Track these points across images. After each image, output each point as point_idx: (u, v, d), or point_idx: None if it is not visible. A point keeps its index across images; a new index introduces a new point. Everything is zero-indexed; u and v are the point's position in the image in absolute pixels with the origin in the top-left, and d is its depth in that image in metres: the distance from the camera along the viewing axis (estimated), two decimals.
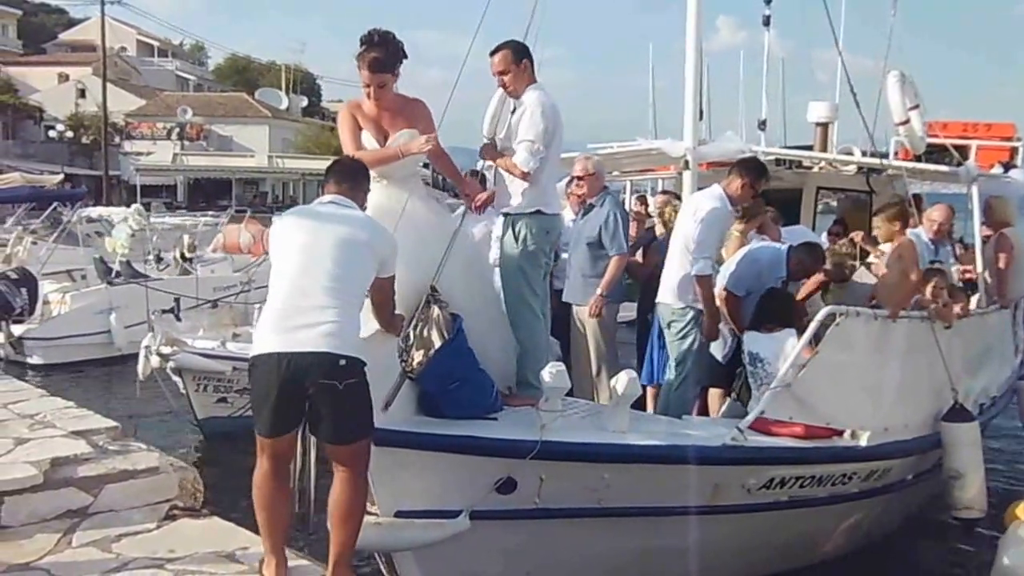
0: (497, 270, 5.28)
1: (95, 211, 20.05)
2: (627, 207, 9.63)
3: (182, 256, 17.49)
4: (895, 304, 5.78)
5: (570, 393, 4.76)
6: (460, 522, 4.30)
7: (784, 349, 5.38)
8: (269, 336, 3.59)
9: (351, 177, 4.05)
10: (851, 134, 9.41)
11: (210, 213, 29.42)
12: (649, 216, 8.53)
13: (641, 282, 6.89)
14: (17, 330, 13.62)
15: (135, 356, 9.75)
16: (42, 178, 22.99)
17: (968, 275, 7.35)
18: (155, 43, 68.25)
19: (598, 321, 6.21)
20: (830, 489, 5.38)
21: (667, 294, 5.77)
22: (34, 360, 13.59)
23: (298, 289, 3.62)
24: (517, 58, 4.95)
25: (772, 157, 7.95)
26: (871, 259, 6.96)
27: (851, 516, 5.79)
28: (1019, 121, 13.36)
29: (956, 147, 8.90)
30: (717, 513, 4.99)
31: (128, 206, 19.71)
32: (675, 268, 5.72)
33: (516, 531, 4.53)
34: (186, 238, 18.52)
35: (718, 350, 5.97)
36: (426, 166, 5.73)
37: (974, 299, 6.97)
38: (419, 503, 4.26)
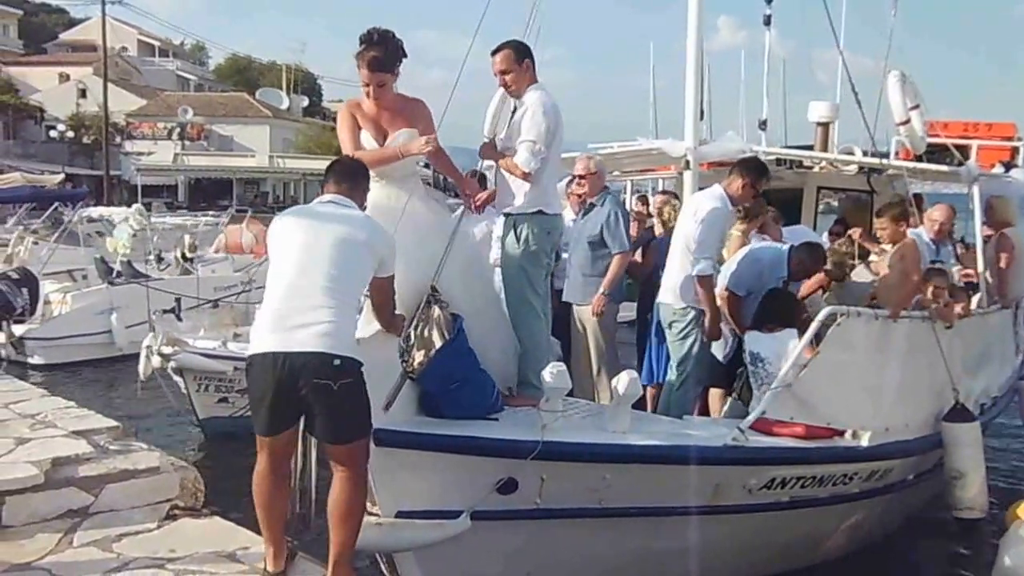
0: (498, 270, 5.29)
1: (96, 211, 20.05)
2: (628, 207, 9.63)
3: (183, 256, 17.51)
4: (896, 304, 5.78)
5: (570, 393, 4.75)
6: (461, 522, 4.30)
7: (785, 349, 5.38)
8: (266, 335, 3.61)
9: (350, 177, 4.05)
10: (852, 134, 9.41)
11: (211, 213, 29.41)
12: (650, 216, 8.53)
13: (640, 282, 6.90)
14: (18, 330, 13.64)
15: (136, 356, 9.75)
16: (43, 178, 23.02)
17: (968, 278, 7.35)
18: (156, 43, 68.27)
19: (598, 321, 6.21)
20: (831, 489, 5.38)
21: (668, 294, 5.77)
22: (35, 360, 13.61)
23: (295, 289, 3.63)
24: (519, 58, 4.95)
25: (773, 157, 7.95)
26: (872, 257, 6.96)
27: (852, 516, 5.79)
28: (1020, 121, 13.34)
29: (957, 147, 8.89)
30: (718, 513, 4.99)
31: (129, 206, 19.72)
32: (676, 268, 5.72)
33: (517, 531, 4.53)
34: (187, 238, 18.54)
35: (719, 350, 5.97)
36: (427, 166, 5.73)
37: (975, 299, 6.96)
38: (420, 503, 4.26)
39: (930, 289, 6.03)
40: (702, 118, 7.05)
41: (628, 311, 7.00)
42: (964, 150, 9.87)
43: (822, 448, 5.23)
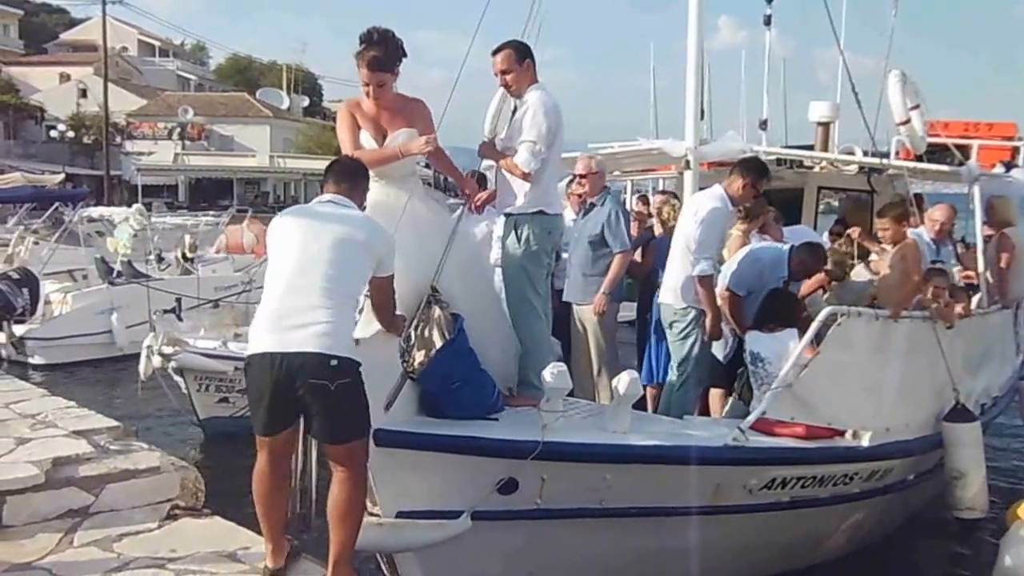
0: (499, 270, 5.28)
1: (96, 211, 20.06)
2: (629, 207, 9.63)
3: (183, 256, 17.52)
4: (897, 304, 5.78)
5: (571, 393, 4.75)
6: (462, 523, 4.30)
7: (786, 349, 5.38)
8: (264, 335, 3.62)
9: (350, 177, 4.05)
10: (853, 134, 9.41)
11: (211, 213, 29.41)
12: (651, 216, 8.54)
13: (640, 281, 6.90)
14: (19, 330, 13.65)
15: (137, 356, 9.75)
16: (43, 178, 23.07)
17: (969, 279, 7.34)
18: (156, 43, 68.30)
19: (599, 321, 6.20)
20: (832, 489, 5.38)
21: (668, 294, 5.77)
22: (36, 360, 13.62)
23: (293, 289, 3.64)
24: (520, 57, 4.95)
25: (773, 157, 7.96)
26: (872, 257, 6.97)
27: (853, 516, 5.79)
28: (1020, 121, 13.33)
29: (958, 146, 8.89)
30: (719, 513, 4.99)
31: (129, 206, 19.72)
32: (676, 268, 5.72)
33: (518, 532, 4.53)
34: (187, 238, 18.55)
35: (719, 350, 5.97)
36: (427, 166, 5.73)
37: (975, 299, 6.96)
38: (421, 504, 4.26)
39: (930, 289, 6.03)
40: (702, 118, 7.06)
41: (628, 311, 7.00)
42: (965, 150, 9.87)
43: (823, 448, 5.23)
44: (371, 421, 3.78)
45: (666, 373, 6.15)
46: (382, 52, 4.46)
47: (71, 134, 49.16)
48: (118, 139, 50.03)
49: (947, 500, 5.99)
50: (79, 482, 4.46)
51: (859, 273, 6.81)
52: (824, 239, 7.79)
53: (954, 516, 6.03)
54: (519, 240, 4.95)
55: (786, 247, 6.29)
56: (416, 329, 4.20)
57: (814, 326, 5.23)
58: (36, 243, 16.96)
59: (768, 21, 13.00)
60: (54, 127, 49.96)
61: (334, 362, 3.50)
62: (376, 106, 4.59)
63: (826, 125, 9.34)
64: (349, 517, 3.69)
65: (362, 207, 4.06)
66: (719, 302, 5.78)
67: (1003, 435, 9.27)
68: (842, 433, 5.35)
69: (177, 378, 9.72)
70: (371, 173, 4.30)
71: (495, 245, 5.87)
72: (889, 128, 7.93)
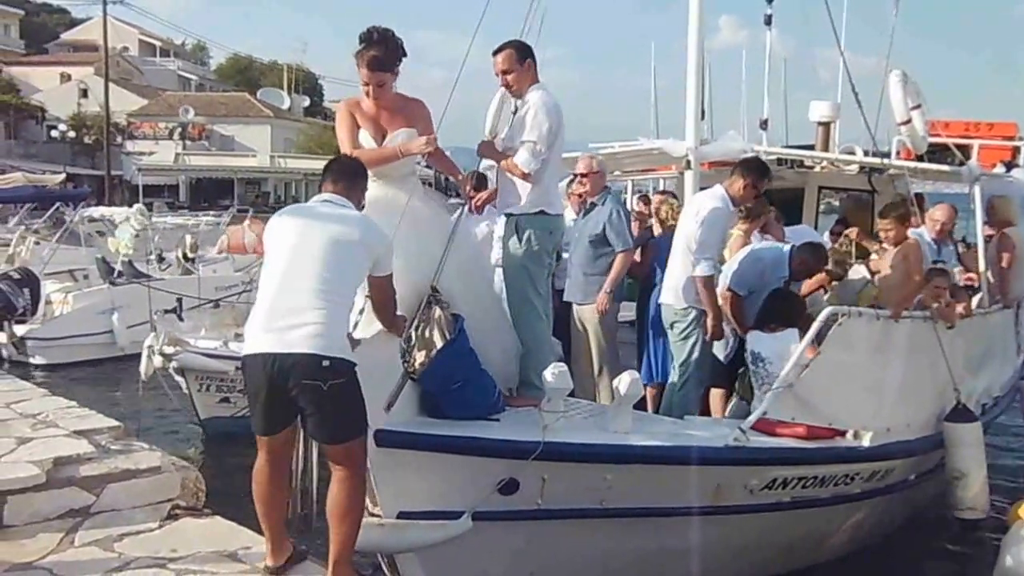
0: (499, 271, 5.28)
1: (97, 211, 20.06)
2: (630, 207, 9.62)
3: (184, 256, 17.52)
4: (898, 304, 5.78)
5: (571, 393, 4.75)
6: (463, 523, 4.30)
7: (787, 349, 5.37)
8: (258, 335, 3.63)
9: (348, 176, 4.04)
10: (854, 133, 9.40)
11: (212, 213, 29.43)
12: (651, 216, 8.53)
13: (640, 281, 6.89)
14: (20, 330, 13.64)
15: (137, 356, 9.75)
16: (44, 178, 23.10)
17: (971, 280, 7.34)
18: (157, 43, 68.33)
19: (599, 320, 6.20)
20: (833, 490, 5.38)
21: (669, 295, 5.77)
22: (37, 360, 13.62)
23: (287, 289, 3.64)
24: (521, 57, 4.95)
25: (774, 156, 7.95)
26: (873, 256, 6.97)
27: (853, 516, 5.79)
28: (1021, 121, 13.32)
29: (958, 146, 8.90)
30: (720, 514, 4.98)
31: (130, 206, 19.73)
32: (677, 269, 5.72)
33: (519, 532, 4.53)
34: (188, 238, 18.56)
35: (720, 350, 5.97)
36: (428, 166, 5.72)
37: (976, 299, 6.96)
38: (422, 504, 4.26)
39: (931, 289, 6.03)
40: (703, 118, 7.06)
41: (628, 311, 6.99)
42: (965, 150, 9.87)
43: (824, 448, 5.23)
44: (369, 421, 3.78)
45: (665, 372, 6.17)
46: (382, 52, 4.46)
47: (72, 134, 49.17)
48: (119, 139, 50.04)
49: (948, 500, 5.98)
50: (80, 482, 4.47)
51: (856, 271, 6.82)
52: (825, 239, 7.79)
53: (955, 516, 6.02)
54: (520, 240, 4.95)
55: (787, 247, 6.29)
56: (417, 329, 4.20)
57: (815, 326, 5.23)
58: (37, 243, 16.97)
59: (769, 21, 13.00)
60: (55, 127, 49.97)
61: (326, 362, 3.51)
62: (376, 105, 4.59)
63: (827, 125, 9.33)
64: (348, 516, 3.70)
65: (360, 207, 4.05)
66: (720, 302, 5.78)
67: (1004, 435, 9.26)
68: (843, 433, 5.34)
69: (178, 378, 9.73)
70: (370, 173, 4.30)
71: (496, 245, 5.86)
72: (890, 128, 7.93)
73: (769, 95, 13.19)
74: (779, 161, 8.25)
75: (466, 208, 4.96)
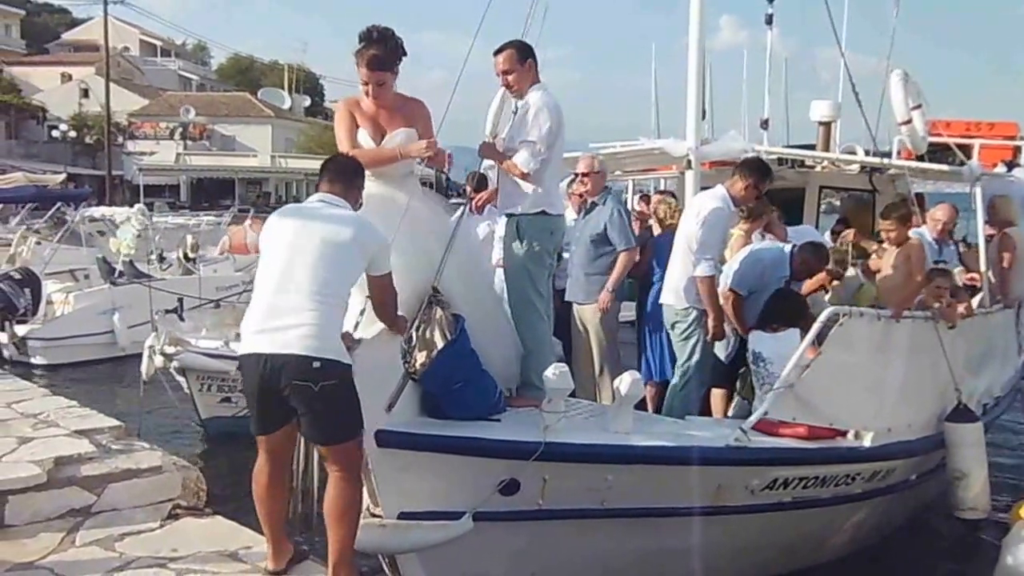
0: (500, 271, 5.27)
1: (98, 211, 20.06)
2: (631, 207, 9.61)
3: (185, 256, 17.53)
4: (899, 304, 5.77)
5: (572, 394, 4.75)
6: (464, 523, 4.30)
7: (788, 349, 5.37)
8: (252, 336, 3.66)
9: (344, 176, 4.04)
10: (855, 133, 9.38)
11: (213, 213, 29.44)
12: (651, 215, 8.53)
13: (639, 280, 6.89)
14: (21, 330, 13.64)
15: (138, 356, 9.75)
16: (45, 178, 23.11)
17: (973, 281, 7.33)
18: (158, 43, 68.36)
19: (600, 320, 6.20)
20: (834, 490, 5.37)
21: (670, 295, 5.77)
22: (38, 360, 13.61)
23: (280, 290, 3.65)
24: (521, 58, 4.95)
25: (775, 156, 7.94)
26: (873, 257, 6.97)
27: (855, 516, 5.78)
28: (1022, 121, 13.29)
29: (959, 146, 8.87)
30: (720, 514, 4.98)
31: (131, 206, 19.75)
32: (678, 269, 5.72)
33: (520, 532, 4.52)
34: (189, 238, 18.57)
35: (721, 350, 5.97)
36: (430, 166, 5.72)
37: (977, 298, 6.95)
38: (423, 505, 4.25)
39: (931, 289, 6.02)
40: (704, 117, 7.05)
41: (628, 311, 7.00)
42: (966, 149, 9.86)
43: (825, 448, 5.23)
44: (371, 421, 3.78)
45: (663, 371, 6.17)
46: (382, 51, 4.45)
47: (73, 134, 49.20)
48: (120, 139, 50.09)
49: (949, 500, 5.97)
50: (81, 482, 4.47)
51: (849, 273, 6.84)
52: (826, 238, 7.78)
53: (956, 516, 6.02)
54: (521, 240, 4.95)
55: (788, 247, 6.29)
56: (417, 330, 4.19)
57: (816, 326, 5.22)
58: (38, 243, 16.97)
59: (770, 20, 13.00)
60: (56, 127, 49.99)
61: (317, 364, 3.52)
62: (375, 105, 4.57)
63: (828, 124, 9.33)
64: (346, 517, 3.71)
65: (357, 206, 4.04)
66: (721, 302, 5.78)
67: (1006, 435, 9.25)
68: (844, 433, 5.34)
69: (179, 378, 9.72)
70: (368, 172, 4.29)
71: (496, 245, 5.86)
72: (891, 127, 7.92)
73: (770, 95, 13.21)
74: (780, 161, 8.24)
75: (467, 208, 4.95)
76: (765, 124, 12.61)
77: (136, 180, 45.98)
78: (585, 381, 6.04)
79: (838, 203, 10.07)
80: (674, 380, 5.78)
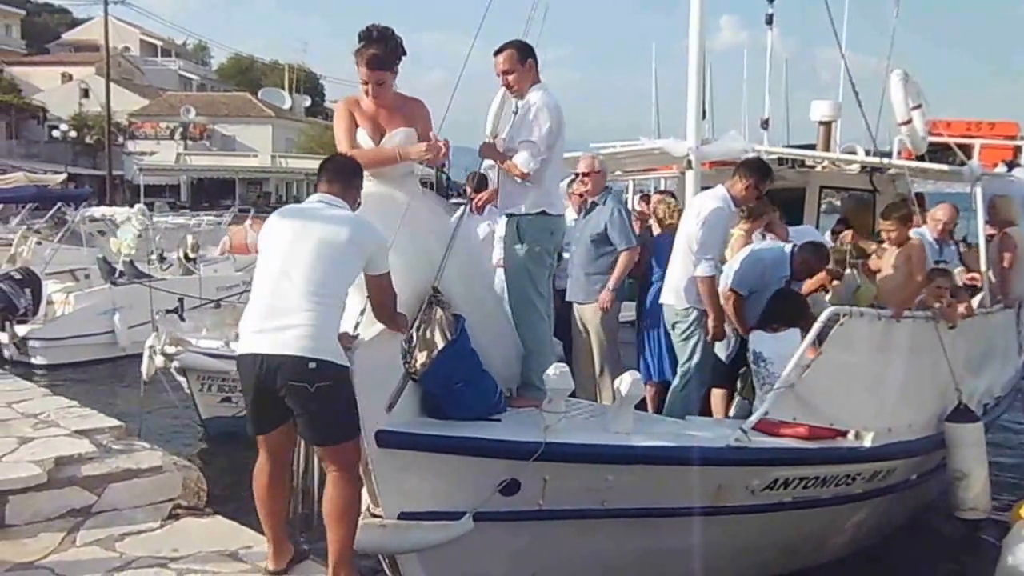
0: (500, 271, 5.27)
1: (98, 211, 20.06)
2: (631, 206, 9.61)
3: (185, 256, 17.53)
4: (899, 304, 5.77)
5: (572, 394, 4.75)
6: (464, 524, 4.30)
7: (788, 349, 5.37)
8: (249, 336, 3.67)
9: (343, 176, 4.03)
10: (855, 133, 9.37)
11: (213, 213, 29.44)
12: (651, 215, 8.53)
13: (639, 280, 6.89)
14: (21, 330, 13.64)
15: (139, 356, 9.75)
16: (45, 178, 23.12)
17: (974, 281, 7.33)
18: (158, 43, 68.37)
19: (600, 320, 6.20)
20: (834, 490, 5.37)
21: (670, 295, 5.77)
22: (38, 360, 13.61)
23: (277, 290, 3.66)
24: (522, 58, 4.94)
25: (775, 156, 7.94)
26: (873, 257, 6.97)
27: (855, 517, 5.78)
28: (1022, 121, 13.27)
29: (960, 146, 8.87)
30: (721, 514, 4.98)
31: (131, 206, 19.75)
32: (678, 269, 5.72)
33: (520, 532, 4.52)
34: (189, 238, 18.58)
35: (722, 350, 5.97)
36: (431, 166, 5.72)
37: (977, 298, 6.95)
38: (423, 505, 4.25)
39: (932, 289, 6.02)
40: (704, 117, 7.05)
41: (628, 311, 7.00)
42: (967, 149, 9.85)
43: (825, 449, 5.23)
44: (371, 421, 3.78)
45: (663, 370, 6.17)
46: (382, 50, 4.45)
47: (73, 134, 49.22)
48: (120, 139, 50.10)
49: (949, 500, 5.98)
50: (81, 481, 4.47)
51: (847, 273, 6.85)
52: (826, 238, 7.78)
53: (957, 516, 6.02)
54: (521, 241, 4.95)
55: (788, 246, 6.28)
56: (418, 330, 4.19)
57: (816, 326, 5.22)
58: (39, 243, 16.98)
59: (770, 20, 12.98)
60: (56, 127, 50.01)
61: (312, 364, 3.52)
62: (375, 104, 4.57)
63: (828, 124, 9.32)
64: (345, 516, 3.71)
65: (356, 206, 4.03)
66: (722, 301, 5.78)
67: (1006, 434, 9.25)
68: (844, 433, 5.34)
69: (179, 378, 9.73)
70: (367, 172, 4.29)
71: (497, 245, 5.86)
72: (891, 127, 7.92)
73: (770, 95, 13.19)
74: (780, 161, 8.24)
75: (467, 208, 4.94)
76: (765, 124, 12.60)
77: (136, 180, 46.02)
78: (585, 381, 6.04)
79: (838, 203, 10.07)
80: (675, 380, 5.78)
